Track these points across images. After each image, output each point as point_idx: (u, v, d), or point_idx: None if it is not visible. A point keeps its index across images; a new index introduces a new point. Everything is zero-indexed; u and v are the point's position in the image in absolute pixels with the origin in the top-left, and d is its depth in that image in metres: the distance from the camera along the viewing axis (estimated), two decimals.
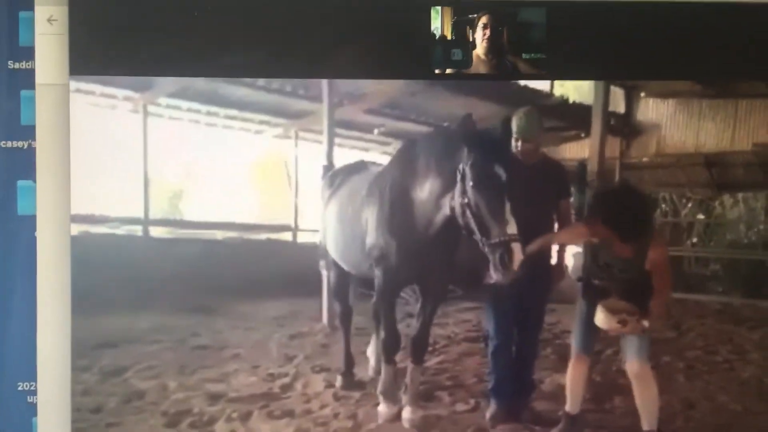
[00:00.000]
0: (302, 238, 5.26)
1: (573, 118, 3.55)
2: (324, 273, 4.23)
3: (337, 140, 4.63)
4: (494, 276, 2.27)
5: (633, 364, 2.41)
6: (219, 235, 4.95)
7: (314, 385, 3.01)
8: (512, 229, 2.22)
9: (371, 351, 3.21)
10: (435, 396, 2.89)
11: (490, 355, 2.81)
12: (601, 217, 2.38)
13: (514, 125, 2.62)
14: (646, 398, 2.40)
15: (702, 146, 4.17)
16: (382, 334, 2.81)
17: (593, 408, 2.65)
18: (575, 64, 2.18)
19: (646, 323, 2.38)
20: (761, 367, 3.41)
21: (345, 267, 3.14)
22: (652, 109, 4.08)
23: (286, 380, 3.07)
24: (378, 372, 3.08)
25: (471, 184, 2.29)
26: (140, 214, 4.93)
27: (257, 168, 4.80)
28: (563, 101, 3.61)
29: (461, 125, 2.37)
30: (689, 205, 4.74)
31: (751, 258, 4.43)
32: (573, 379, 2.56)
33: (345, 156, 4.40)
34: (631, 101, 3.81)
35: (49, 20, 2.04)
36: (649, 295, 2.43)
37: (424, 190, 2.53)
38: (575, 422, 2.54)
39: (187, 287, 4.43)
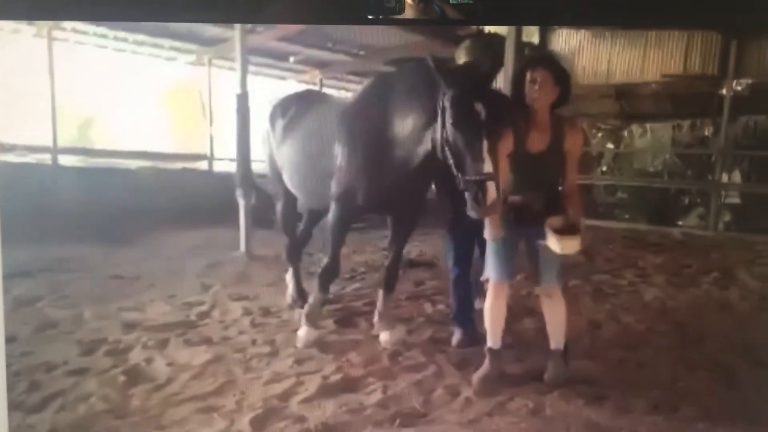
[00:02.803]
0: (218, 167, 5.23)
1: (488, 49, 3.55)
2: (241, 202, 4.22)
3: (252, 68, 4.55)
4: (469, 212, 2.27)
5: (546, 287, 2.38)
6: (132, 164, 4.88)
7: (232, 312, 3.02)
8: (488, 167, 2.16)
9: (290, 277, 3.22)
10: (352, 321, 2.94)
11: (451, 285, 2.82)
12: (538, 63, 2.34)
13: (465, 50, 2.62)
14: (555, 319, 2.41)
15: (613, 77, 4.28)
16: (325, 262, 2.78)
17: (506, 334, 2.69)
18: (502, 10, 2.17)
19: (583, 219, 2.30)
20: (663, 289, 3.59)
21: (305, 200, 3.06)
22: (565, 40, 4.15)
23: (203, 308, 3.07)
24: (296, 299, 3.11)
25: (450, 121, 2.27)
26: (49, 143, 4.81)
27: (171, 96, 4.71)
28: (478, 31, 3.61)
29: (436, 62, 2.32)
30: (599, 135, 4.86)
31: (657, 186, 4.61)
32: (493, 311, 2.43)
33: (261, 85, 4.34)
34: (544, 32, 3.85)
35: None
36: (556, 191, 2.38)
37: (407, 126, 2.46)
38: (500, 357, 2.43)
39: (101, 217, 4.36)
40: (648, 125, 4.62)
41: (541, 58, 2.45)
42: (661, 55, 3.97)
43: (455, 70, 2.29)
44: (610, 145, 4.61)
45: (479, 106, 2.18)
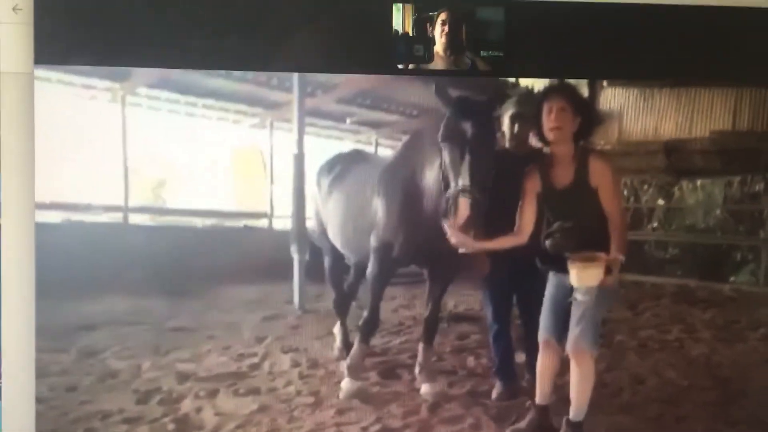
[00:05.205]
0: (277, 224, 5.36)
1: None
2: (296, 257, 4.34)
3: (310, 129, 4.71)
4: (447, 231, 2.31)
5: (574, 350, 2.31)
6: (198, 222, 5.06)
7: (281, 364, 3.12)
8: (464, 181, 2.24)
9: (337, 330, 3.31)
10: (395, 373, 3.00)
11: (491, 340, 2.89)
12: (554, 93, 2.30)
13: (514, 103, 2.66)
14: (580, 387, 2.32)
15: (662, 134, 4.27)
16: (365, 314, 2.87)
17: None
18: (532, 63, 2.25)
19: (621, 257, 2.21)
20: (709, 345, 3.53)
21: (349, 254, 3.18)
22: (614, 98, 4.18)
23: (255, 360, 3.18)
24: (342, 351, 3.18)
25: (439, 140, 2.35)
26: (121, 202, 5.04)
27: (236, 157, 4.90)
28: (528, 91, 3.69)
29: (439, 87, 2.38)
30: (650, 190, 4.84)
31: (709, 242, 4.54)
32: (541, 369, 2.43)
33: (320, 145, 4.51)
34: (594, 90, 3.90)
35: (14, 9, 2.09)
36: (605, 230, 2.27)
37: (432, 174, 2.53)
38: (545, 413, 2.44)
39: (167, 272, 4.53)
40: (698, 181, 4.58)
41: (557, 88, 2.37)
42: (710, 111, 3.97)
43: (458, 96, 2.35)
44: (661, 201, 4.58)
45: (467, 125, 2.21)
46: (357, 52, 2.19)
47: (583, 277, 2.17)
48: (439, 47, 2.19)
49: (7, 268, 2.18)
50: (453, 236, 2.32)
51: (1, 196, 2.15)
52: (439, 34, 2.18)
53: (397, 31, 2.17)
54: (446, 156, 2.33)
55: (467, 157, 2.25)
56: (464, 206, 2.23)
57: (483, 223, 2.31)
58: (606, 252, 2.21)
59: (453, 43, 2.19)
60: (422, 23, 2.19)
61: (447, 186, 2.33)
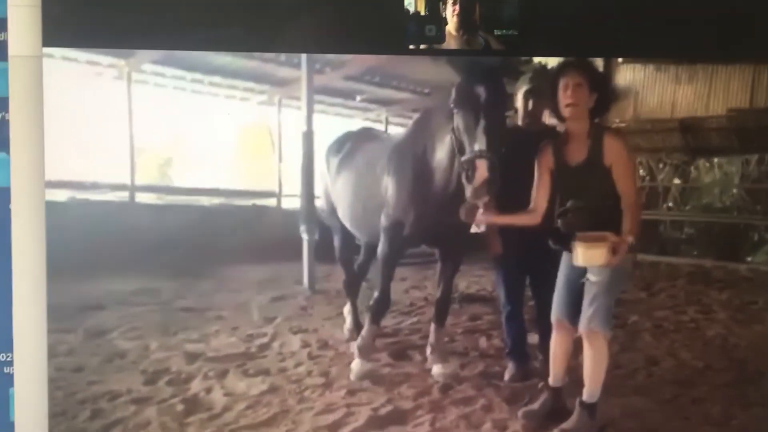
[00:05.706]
0: (286, 203, 5.34)
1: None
2: (305, 237, 4.31)
3: (319, 107, 4.67)
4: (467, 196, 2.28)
5: (586, 331, 2.28)
6: (206, 201, 5.03)
7: (291, 344, 3.10)
8: (480, 145, 2.20)
9: (347, 310, 3.28)
10: (406, 354, 2.97)
11: (504, 321, 2.86)
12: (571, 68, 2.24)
13: (528, 79, 2.64)
14: (593, 369, 2.29)
15: (678, 111, 4.21)
16: (376, 295, 2.85)
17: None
18: (547, 41, 2.20)
19: (631, 238, 2.17)
20: (726, 325, 3.50)
21: (359, 234, 3.17)
22: (629, 74, 4.13)
23: (264, 340, 3.15)
24: (353, 332, 3.15)
25: (452, 105, 2.33)
26: (128, 181, 5.00)
27: (244, 135, 4.85)
28: (542, 67, 3.64)
29: (449, 60, 2.35)
30: (665, 169, 4.78)
31: (725, 221, 4.50)
32: (554, 350, 2.42)
33: (329, 123, 4.46)
34: (608, 66, 3.83)
35: None
36: (619, 210, 2.22)
37: (444, 149, 2.51)
38: (558, 395, 2.43)
39: (174, 252, 4.50)
40: (715, 160, 4.52)
41: (573, 63, 2.28)
42: (727, 88, 3.90)
43: (468, 60, 2.30)
44: (677, 180, 4.53)
45: (480, 90, 2.19)
46: (368, 32, 2.14)
47: (586, 256, 2.15)
48: (451, 27, 2.15)
49: (18, 254, 2.15)
50: (471, 203, 2.29)
51: (10, 178, 2.13)
52: (452, 14, 2.14)
53: (408, 11, 2.12)
54: (460, 121, 2.29)
55: (482, 122, 2.22)
56: (482, 168, 2.19)
57: (497, 197, 2.29)
58: (619, 232, 2.18)
59: (466, 23, 2.15)
60: (435, 2, 2.14)
61: (462, 151, 2.30)
